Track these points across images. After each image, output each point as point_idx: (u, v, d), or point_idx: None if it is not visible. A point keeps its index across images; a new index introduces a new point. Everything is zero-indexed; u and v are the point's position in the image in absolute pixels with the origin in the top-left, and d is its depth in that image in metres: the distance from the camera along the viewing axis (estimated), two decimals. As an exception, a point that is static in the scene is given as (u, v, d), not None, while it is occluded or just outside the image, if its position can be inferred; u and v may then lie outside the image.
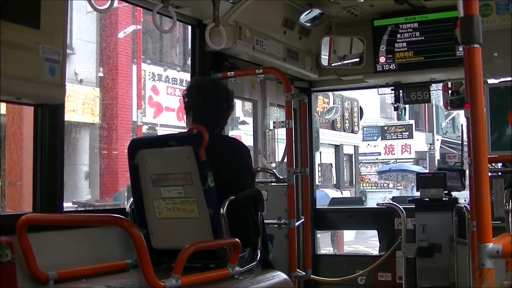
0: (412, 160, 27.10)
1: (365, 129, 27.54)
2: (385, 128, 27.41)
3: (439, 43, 5.08)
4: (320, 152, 20.39)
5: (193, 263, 2.92)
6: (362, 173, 27.47)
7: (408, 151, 27.00)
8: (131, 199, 3.32)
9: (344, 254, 11.39)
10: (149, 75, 16.67)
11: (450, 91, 5.17)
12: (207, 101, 3.40)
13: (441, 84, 5.29)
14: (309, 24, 4.99)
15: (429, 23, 5.13)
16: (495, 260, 1.90)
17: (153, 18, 3.49)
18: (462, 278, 4.92)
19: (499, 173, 4.23)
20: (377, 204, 6.03)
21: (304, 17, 4.89)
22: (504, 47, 3.45)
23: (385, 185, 26.08)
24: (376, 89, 5.81)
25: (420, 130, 28.56)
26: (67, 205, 10.66)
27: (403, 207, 5.33)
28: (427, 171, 21.38)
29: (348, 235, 15.80)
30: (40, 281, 2.70)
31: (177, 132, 3.38)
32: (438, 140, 28.31)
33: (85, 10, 14.18)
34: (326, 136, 20.80)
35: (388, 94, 5.85)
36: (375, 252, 6.46)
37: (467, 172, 5.20)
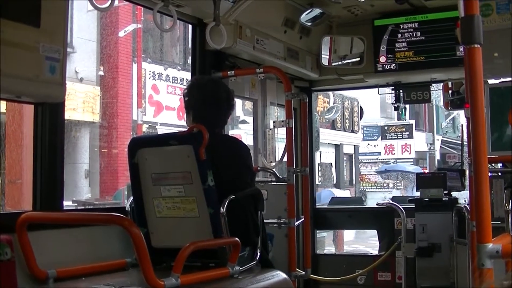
0: (412, 160, 27.08)
1: (365, 128, 27.52)
2: (385, 128, 27.39)
3: (439, 43, 5.08)
4: (320, 152, 20.39)
5: (192, 262, 2.91)
6: (362, 173, 27.47)
7: (408, 151, 26.98)
8: (131, 198, 3.32)
9: (343, 253, 11.41)
10: (150, 74, 16.66)
11: (450, 91, 5.17)
12: (207, 100, 3.40)
13: (442, 84, 5.29)
14: (309, 24, 4.99)
15: (430, 23, 5.13)
16: (494, 260, 1.91)
17: (153, 17, 3.49)
18: (461, 278, 4.92)
19: (499, 174, 4.23)
20: (377, 204, 6.03)
21: (305, 17, 4.89)
22: (505, 47, 3.45)
23: (385, 185, 26.08)
24: (376, 89, 5.81)
25: (420, 130, 28.54)
26: (67, 203, 10.66)
27: (403, 207, 5.34)
28: (426, 170, 21.39)
29: (348, 234, 15.82)
30: (40, 279, 2.70)
31: (177, 131, 3.38)
32: (438, 140, 28.29)
33: (85, 9, 14.18)
34: (326, 135, 20.79)
35: (388, 94, 5.85)
36: (375, 252, 6.46)
37: (467, 172, 5.20)
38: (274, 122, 4.79)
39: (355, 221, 6.13)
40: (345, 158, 26.41)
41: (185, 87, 3.61)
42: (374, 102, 24.34)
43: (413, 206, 5.26)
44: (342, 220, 6.17)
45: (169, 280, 2.57)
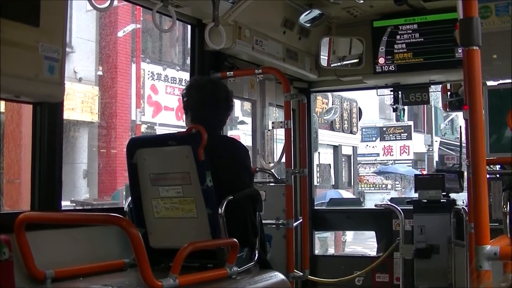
0: (410, 161, 27.11)
1: (363, 130, 27.56)
2: (384, 129, 27.43)
3: (438, 44, 5.08)
4: (319, 153, 20.41)
5: (191, 263, 2.91)
6: (360, 174, 27.48)
7: (406, 153, 27.01)
8: (130, 198, 3.32)
9: (342, 255, 11.41)
10: (149, 74, 16.66)
11: (449, 93, 5.17)
12: (206, 101, 3.40)
13: (440, 85, 5.29)
14: (308, 25, 4.99)
15: (429, 25, 5.13)
16: (492, 262, 1.91)
17: (152, 17, 3.49)
18: (459, 279, 4.92)
19: (498, 175, 4.23)
20: (375, 205, 6.02)
21: (304, 18, 4.89)
22: (504, 49, 3.44)
23: (384, 186, 26.11)
24: (375, 90, 5.81)
25: (419, 131, 28.58)
26: (65, 203, 10.65)
27: (401, 208, 5.33)
28: (425, 172, 21.40)
29: (346, 236, 15.80)
30: (38, 279, 2.70)
31: (176, 132, 3.38)
32: (436, 141, 28.33)
33: (84, 9, 14.16)
34: (324, 136, 20.80)
35: (387, 95, 5.84)
36: (373, 253, 6.46)
37: (465, 173, 5.19)
38: (272, 123, 4.79)
39: (354, 222, 6.13)
40: (343, 159, 26.43)
41: (184, 87, 3.61)
42: (372, 103, 24.38)
43: (412, 208, 5.26)
44: (340, 221, 6.17)
45: (167, 281, 2.57)
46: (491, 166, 4.20)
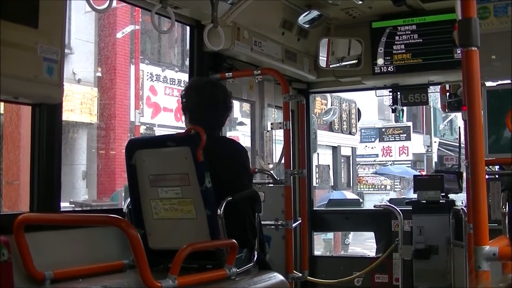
0: (409, 162, 27.10)
1: (362, 130, 27.54)
2: (383, 130, 27.41)
3: (437, 45, 5.08)
4: (318, 154, 20.40)
5: (190, 264, 2.91)
6: (359, 175, 27.48)
7: (405, 153, 27.01)
8: (128, 199, 3.32)
9: (341, 255, 11.41)
10: (147, 76, 16.66)
11: (448, 94, 5.18)
12: (205, 102, 3.40)
13: (439, 86, 5.29)
14: (307, 26, 4.99)
15: (427, 26, 5.13)
16: (491, 263, 1.91)
17: (151, 19, 3.49)
18: (458, 280, 4.92)
19: (496, 176, 4.23)
20: (374, 206, 6.02)
21: (303, 19, 4.89)
22: (502, 50, 3.45)
23: (383, 186, 26.10)
24: (374, 91, 5.81)
25: (418, 132, 28.57)
26: (64, 205, 10.65)
27: (400, 209, 5.33)
28: (424, 173, 21.41)
29: (350, 238, 15.79)
30: (37, 280, 2.70)
31: (175, 133, 3.38)
32: (435, 142, 28.33)
33: (83, 10, 14.17)
34: (323, 137, 20.81)
35: (386, 96, 5.85)
36: (372, 254, 6.46)
37: (464, 174, 5.20)
38: (271, 124, 4.79)
39: (353, 223, 6.13)
40: (342, 160, 26.43)
41: (182, 88, 3.61)
42: (371, 104, 24.37)
43: (411, 208, 5.26)
44: (339, 222, 6.17)
45: (166, 282, 2.57)
46: (490, 166, 4.21)
